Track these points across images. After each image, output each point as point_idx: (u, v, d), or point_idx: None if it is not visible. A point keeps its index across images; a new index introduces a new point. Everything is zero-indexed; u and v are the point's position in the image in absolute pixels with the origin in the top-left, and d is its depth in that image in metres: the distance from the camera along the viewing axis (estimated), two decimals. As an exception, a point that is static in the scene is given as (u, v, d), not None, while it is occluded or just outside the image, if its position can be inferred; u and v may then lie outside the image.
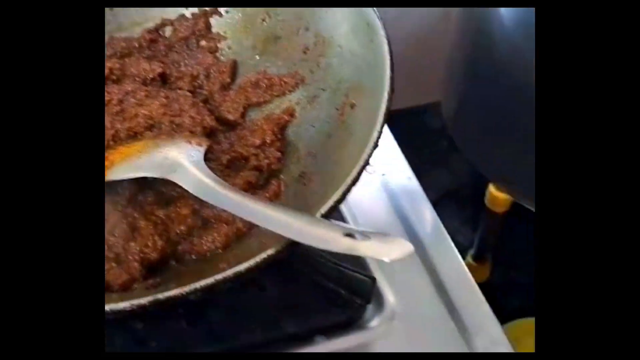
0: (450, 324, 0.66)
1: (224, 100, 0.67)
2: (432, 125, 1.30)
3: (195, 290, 0.48)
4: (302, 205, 0.56)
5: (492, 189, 1.05)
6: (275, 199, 0.61)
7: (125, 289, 0.54)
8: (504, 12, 0.82)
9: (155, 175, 0.58)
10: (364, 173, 0.54)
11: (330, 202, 0.51)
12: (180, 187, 0.57)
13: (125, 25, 0.71)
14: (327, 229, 0.48)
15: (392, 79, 0.57)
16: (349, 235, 0.47)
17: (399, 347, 0.64)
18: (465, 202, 1.26)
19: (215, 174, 0.57)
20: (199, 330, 0.62)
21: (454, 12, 0.94)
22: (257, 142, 0.63)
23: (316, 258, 0.64)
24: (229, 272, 0.48)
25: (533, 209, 0.91)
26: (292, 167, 0.62)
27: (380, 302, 0.66)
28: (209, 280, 0.48)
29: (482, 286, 0.69)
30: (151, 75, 0.67)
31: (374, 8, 0.61)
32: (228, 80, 0.68)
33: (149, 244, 0.56)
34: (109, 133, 0.61)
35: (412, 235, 0.72)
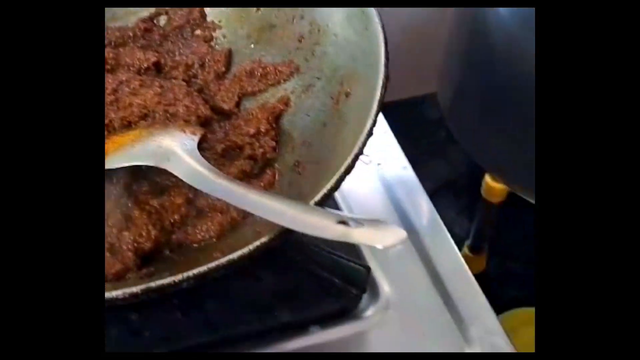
0: (446, 314, 0.66)
1: (219, 90, 0.67)
2: (430, 116, 1.30)
3: (188, 278, 0.47)
4: (297, 194, 0.56)
5: (488, 179, 1.06)
6: (269, 188, 0.60)
7: (119, 279, 0.54)
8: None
9: (148, 164, 0.58)
10: (360, 164, 0.53)
11: (324, 190, 0.51)
12: (174, 176, 0.57)
13: (119, 14, 0.71)
14: (320, 217, 0.48)
15: (386, 66, 0.57)
16: (343, 222, 0.46)
17: (393, 337, 0.64)
18: (462, 193, 1.26)
19: (210, 163, 0.57)
20: (193, 320, 0.62)
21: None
22: (252, 131, 0.63)
23: (311, 247, 0.64)
24: (222, 260, 0.48)
25: (529, 199, 0.91)
26: (286, 156, 0.62)
27: (375, 292, 0.66)
28: (202, 269, 0.48)
29: (479, 277, 0.69)
30: (145, 65, 0.67)
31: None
32: (223, 69, 0.68)
33: (143, 233, 0.56)
34: (103, 123, 0.61)
35: (408, 225, 0.72)
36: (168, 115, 0.62)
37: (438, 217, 0.73)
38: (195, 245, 0.57)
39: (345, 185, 0.53)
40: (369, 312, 0.65)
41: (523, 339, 0.70)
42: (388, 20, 0.60)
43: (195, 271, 0.48)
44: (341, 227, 0.46)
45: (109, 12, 0.70)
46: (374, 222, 0.47)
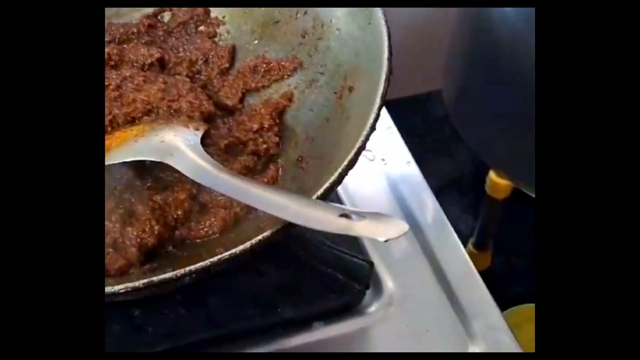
0: (450, 310, 0.66)
1: (223, 85, 0.67)
2: (435, 113, 1.30)
3: (190, 273, 0.47)
4: (300, 189, 0.56)
5: (492, 175, 1.05)
6: (273, 183, 0.60)
7: (122, 274, 0.54)
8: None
9: (152, 159, 0.58)
10: (364, 161, 0.53)
11: (326, 185, 0.51)
12: (177, 171, 0.57)
13: (123, 11, 0.71)
14: (322, 210, 0.48)
15: (390, 60, 0.57)
16: (345, 215, 0.46)
17: (397, 333, 0.64)
18: (466, 190, 1.26)
19: (214, 158, 0.57)
20: (195, 316, 0.61)
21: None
22: (256, 126, 0.63)
23: (314, 243, 0.64)
24: (224, 255, 0.48)
25: (533, 195, 0.91)
26: (290, 152, 0.62)
27: (378, 288, 0.66)
28: (204, 263, 0.48)
29: (484, 274, 0.69)
30: (149, 61, 0.67)
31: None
32: (227, 65, 0.68)
33: (147, 229, 0.56)
34: (106, 119, 0.61)
35: (413, 222, 0.72)
36: (172, 110, 0.62)
37: (443, 214, 0.73)
38: (198, 240, 0.57)
39: (351, 182, 0.53)
40: (373, 308, 0.65)
41: (527, 335, 0.70)
42: (392, 19, 0.60)
43: (198, 265, 0.48)
44: (343, 221, 0.46)
45: (112, 8, 0.71)
46: (376, 215, 0.46)
